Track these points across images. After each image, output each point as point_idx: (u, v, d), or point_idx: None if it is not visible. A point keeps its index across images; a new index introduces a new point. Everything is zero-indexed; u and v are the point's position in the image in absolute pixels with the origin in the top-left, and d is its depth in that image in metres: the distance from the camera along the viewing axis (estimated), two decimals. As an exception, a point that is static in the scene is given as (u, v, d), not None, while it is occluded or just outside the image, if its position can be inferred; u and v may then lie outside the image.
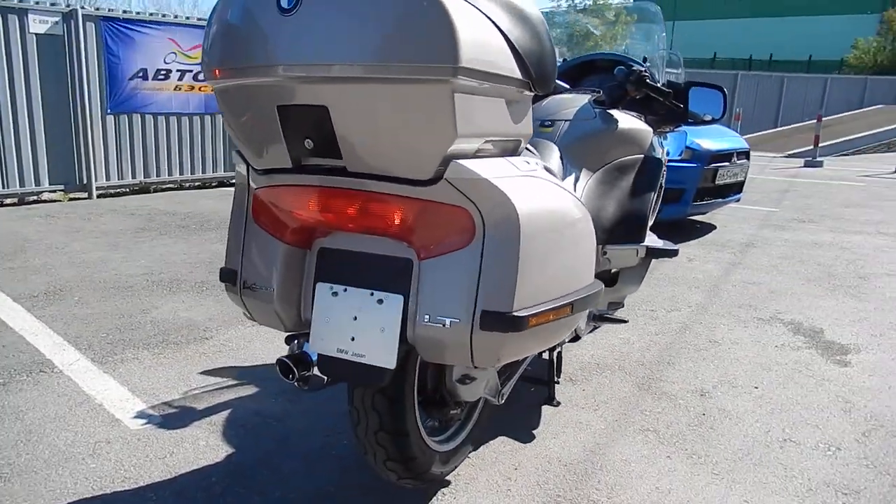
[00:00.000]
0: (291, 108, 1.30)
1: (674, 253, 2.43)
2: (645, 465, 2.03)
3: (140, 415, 2.28)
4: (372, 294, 1.47)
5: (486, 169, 1.30)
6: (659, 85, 2.43)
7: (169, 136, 7.35)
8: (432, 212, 1.33)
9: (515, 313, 1.31)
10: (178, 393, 2.45)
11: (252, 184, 1.54)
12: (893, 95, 21.17)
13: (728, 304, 3.67)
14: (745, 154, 5.70)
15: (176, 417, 2.27)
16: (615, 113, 2.40)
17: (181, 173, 7.52)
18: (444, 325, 1.35)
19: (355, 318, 1.48)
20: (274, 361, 2.70)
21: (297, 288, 1.57)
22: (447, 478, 1.91)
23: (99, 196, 6.77)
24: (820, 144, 11.72)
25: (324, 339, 1.51)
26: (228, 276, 1.62)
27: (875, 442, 2.19)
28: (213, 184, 7.78)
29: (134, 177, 7.15)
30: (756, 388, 2.59)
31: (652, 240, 2.44)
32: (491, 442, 2.14)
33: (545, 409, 2.38)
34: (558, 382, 2.47)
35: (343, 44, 1.20)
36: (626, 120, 2.40)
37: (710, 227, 5.80)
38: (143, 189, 7.27)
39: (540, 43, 1.38)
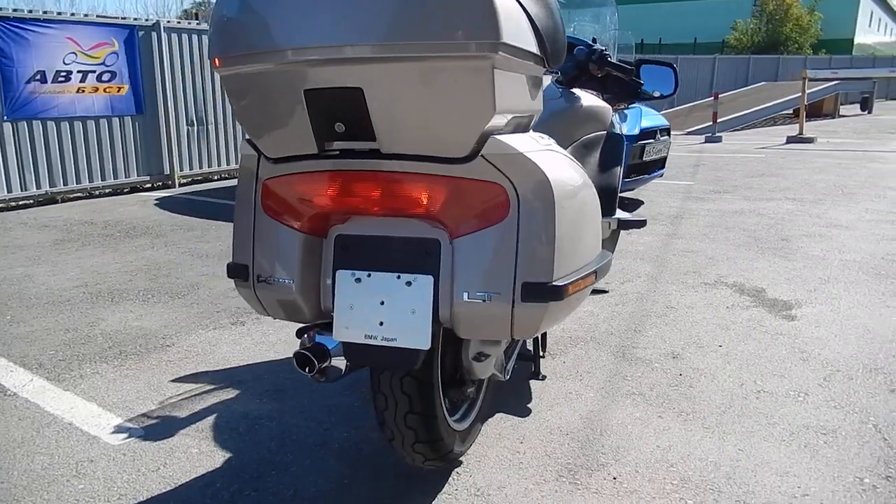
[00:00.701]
0: (321, 91, 1.26)
1: (642, 224, 2.54)
2: (641, 426, 2.12)
3: (119, 429, 2.15)
4: (399, 277, 1.45)
5: (520, 143, 1.31)
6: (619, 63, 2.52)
7: (74, 142, 6.89)
8: (466, 189, 1.33)
9: (556, 283, 1.34)
10: (153, 403, 2.33)
11: (262, 174, 1.48)
12: (774, 73, 22.74)
13: (674, 272, 3.85)
14: (667, 131, 5.98)
15: (159, 428, 2.15)
16: (577, 91, 2.47)
17: (91, 181, 7.07)
18: (484, 301, 1.35)
19: (382, 303, 1.46)
20: (247, 363, 2.63)
21: (315, 277, 1.53)
22: (460, 458, 1.92)
23: (0, 210, 6.27)
24: (717, 120, 12.46)
25: (349, 326, 1.48)
26: (238, 272, 1.56)
27: (836, 385, 2.37)
28: (126, 190, 7.38)
29: (39, 187, 6.66)
30: (720, 346, 2.75)
31: (620, 212, 2.54)
32: (490, 420, 2.16)
33: (533, 383, 2.43)
34: (543, 357, 2.52)
35: (380, 23, 1.17)
36: (588, 98, 2.48)
37: (638, 203, 6.06)
38: (50, 199, 6.79)
39: (553, 19, 1.40)
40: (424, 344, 1.42)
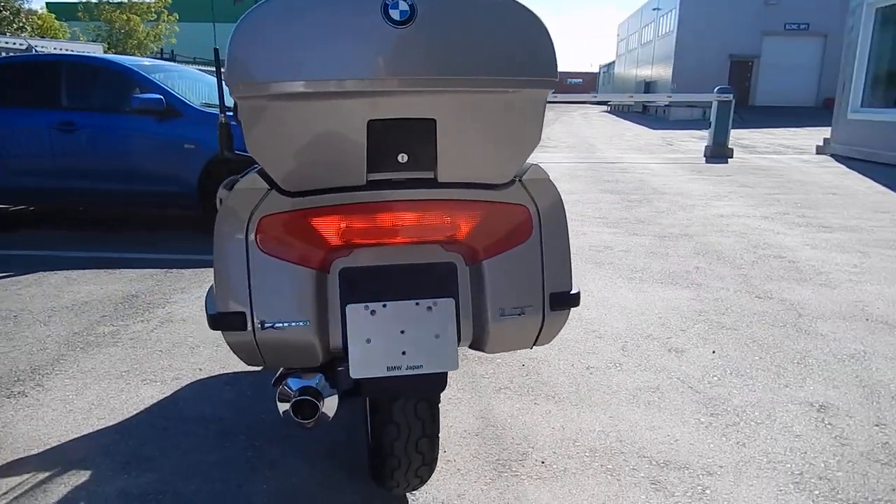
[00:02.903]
0: (387, 122, 1.22)
1: None
2: (528, 414, 2.38)
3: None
4: (417, 304, 1.45)
5: (545, 170, 1.45)
6: None
7: None
8: (498, 212, 1.41)
9: (573, 291, 1.51)
10: (-18, 512, 1.79)
11: (260, 210, 1.33)
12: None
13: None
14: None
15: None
16: None
17: None
18: (520, 314, 1.45)
19: (403, 332, 1.44)
20: (72, 437, 2.19)
21: (325, 315, 1.43)
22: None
23: None
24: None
25: (368, 361, 1.43)
26: (230, 321, 1.36)
27: (633, 353, 2.97)
28: None
29: None
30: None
31: None
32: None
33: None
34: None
35: (458, 57, 1.21)
36: None
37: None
38: None
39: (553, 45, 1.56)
40: (453, 366, 1.46)
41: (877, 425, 2.30)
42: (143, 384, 2.61)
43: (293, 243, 1.38)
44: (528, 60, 1.27)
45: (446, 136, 1.28)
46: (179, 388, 2.59)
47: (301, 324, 1.39)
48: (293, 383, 1.52)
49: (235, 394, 2.53)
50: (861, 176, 9.09)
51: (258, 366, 1.49)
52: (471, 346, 1.54)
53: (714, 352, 2.95)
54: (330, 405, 1.52)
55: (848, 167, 10.13)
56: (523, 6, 1.26)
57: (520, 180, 1.41)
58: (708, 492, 1.92)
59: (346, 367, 1.45)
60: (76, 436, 2.21)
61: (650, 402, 2.48)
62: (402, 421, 1.55)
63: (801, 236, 5.27)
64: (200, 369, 2.76)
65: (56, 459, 2.06)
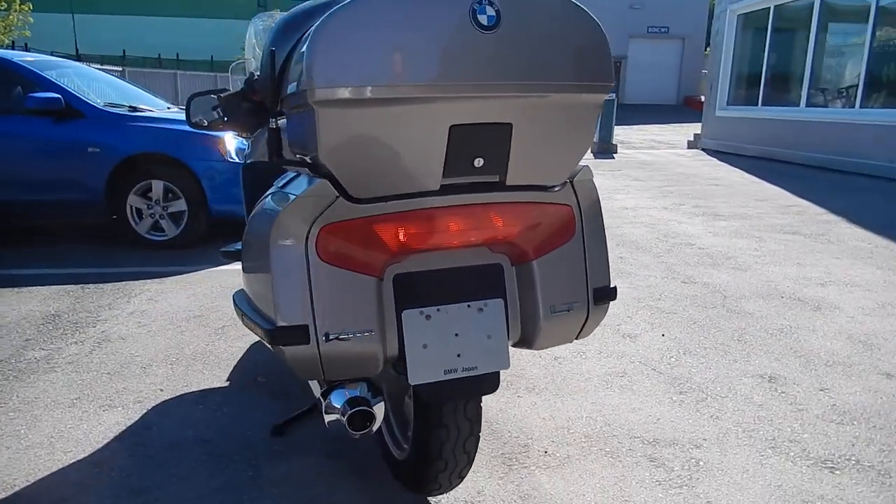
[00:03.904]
0: (468, 126, 1.23)
1: None
2: (515, 408, 2.44)
3: None
4: (469, 306, 1.47)
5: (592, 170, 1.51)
6: None
7: None
8: (549, 213, 1.45)
9: (613, 285, 1.58)
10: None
11: (323, 219, 1.30)
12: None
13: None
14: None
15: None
16: None
17: None
18: (568, 311, 1.50)
19: (457, 335, 1.45)
20: (35, 477, 2.02)
21: (384, 323, 1.41)
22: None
23: None
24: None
25: (425, 366, 1.43)
26: (292, 335, 1.31)
27: (588, 340, 3.12)
28: None
29: None
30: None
31: None
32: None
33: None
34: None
35: (537, 61, 1.24)
36: None
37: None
38: None
39: (610, 51, 1.61)
40: (506, 364, 1.49)
41: (821, 390, 2.57)
42: (102, 411, 2.42)
43: (355, 251, 1.35)
44: (593, 66, 1.32)
45: (519, 139, 1.31)
46: (145, 411, 2.42)
47: (367, 333, 1.36)
48: (339, 395, 1.48)
49: (210, 413, 2.41)
50: (732, 167, 9.98)
51: (312, 379, 1.45)
52: (516, 345, 1.57)
53: (663, 335, 3.16)
54: (379, 412, 1.50)
55: (719, 160, 11.08)
56: (589, 14, 1.32)
57: (571, 181, 1.47)
58: (701, 463, 2.07)
59: (399, 374, 1.44)
60: (45, 473, 2.02)
61: (623, 387, 2.62)
62: (451, 423, 1.56)
63: (701, 225, 5.72)
64: (161, 389, 2.59)
65: (32, 501, 1.87)
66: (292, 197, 1.31)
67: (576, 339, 1.63)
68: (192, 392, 2.58)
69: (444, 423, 1.57)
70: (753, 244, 5.00)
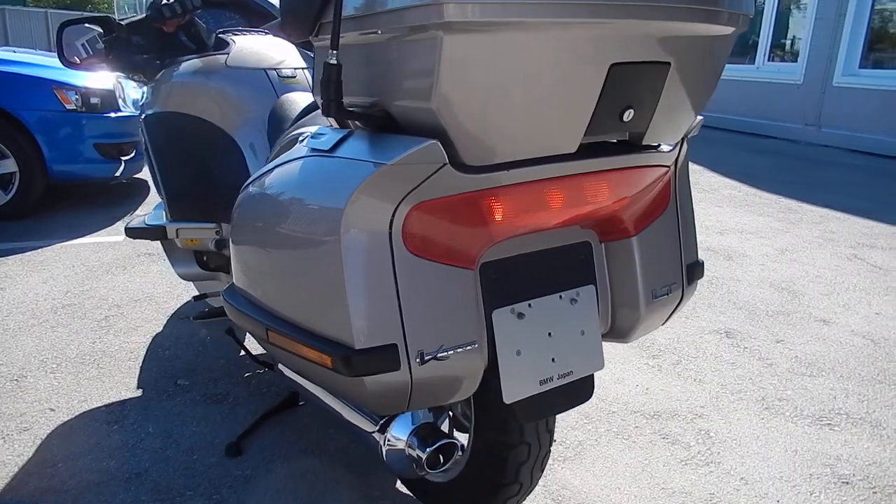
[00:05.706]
0: (627, 66, 0.89)
1: None
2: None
3: None
4: (561, 297, 1.17)
5: None
6: None
7: None
8: (651, 177, 1.17)
9: (700, 259, 1.34)
10: None
11: (420, 193, 0.91)
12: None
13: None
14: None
15: None
16: None
17: None
18: (668, 294, 1.24)
19: (550, 334, 1.15)
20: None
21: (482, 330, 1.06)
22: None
23: None
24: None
25: (520, 378, 1.11)
26: (382, 360, 0.92)
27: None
28: None
29: None
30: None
31: None
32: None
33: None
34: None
35: None
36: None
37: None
38: None
39: None
40: (601, 364, 1.22)
41: (777, 342, 2.60)
42: (-27, 448, 1.81)
43: (452, 238, 0.98)
44: None
45: (671, 85, 1.00)
46: (38, 442, 1.85)
47: (470, 347, 1.01)
48: (403, 426, 1.13)
49: (131, 434, 1.89)
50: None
51: (390, 413, 1.07)
52: (604, 338, 1.30)
53: (608, 294, 3.06)
54: (462, 438, 1.18)
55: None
56: None
57: (685, 138, 1.19)
58: (711, 434, 1.97)
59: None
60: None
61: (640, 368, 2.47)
62: (533, 440, 1.27)
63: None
64: (52, 409, 2.01)
65: None
66: (370, 164, 0.90)
67: (662, 325, 1.39)
68: (97, 408, 2.03)
69: (525, 441, 1.27)
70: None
